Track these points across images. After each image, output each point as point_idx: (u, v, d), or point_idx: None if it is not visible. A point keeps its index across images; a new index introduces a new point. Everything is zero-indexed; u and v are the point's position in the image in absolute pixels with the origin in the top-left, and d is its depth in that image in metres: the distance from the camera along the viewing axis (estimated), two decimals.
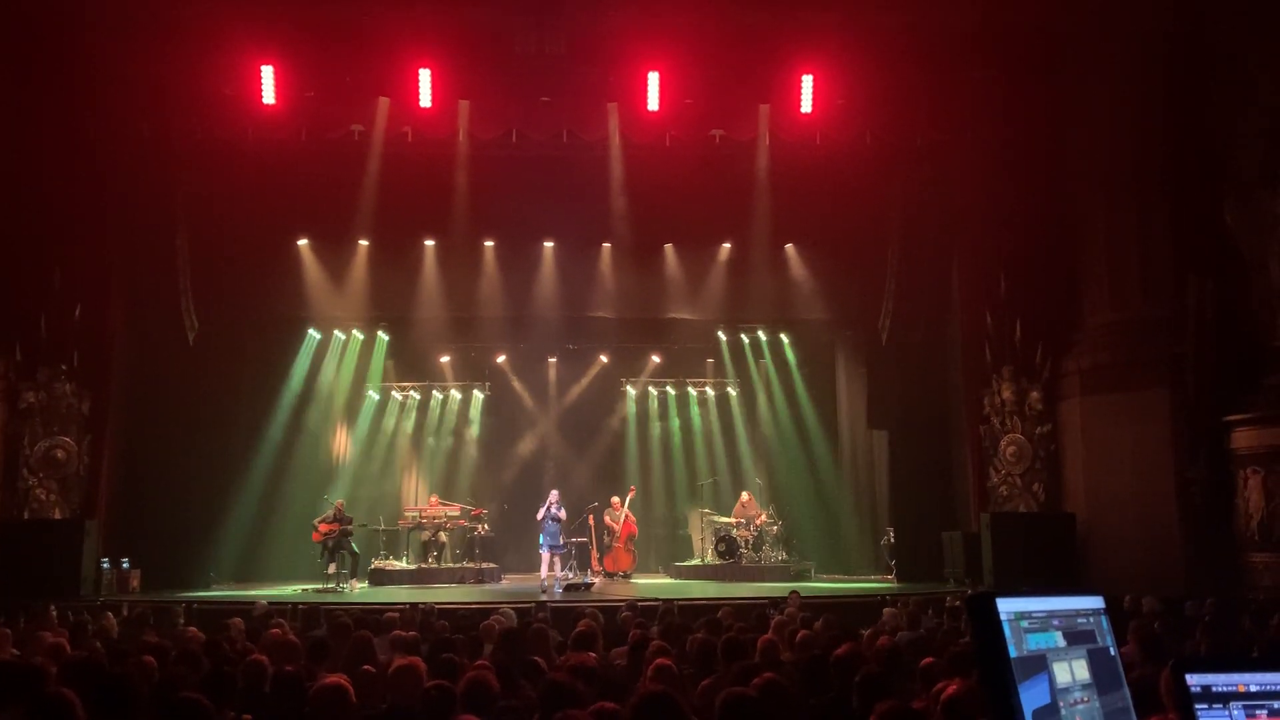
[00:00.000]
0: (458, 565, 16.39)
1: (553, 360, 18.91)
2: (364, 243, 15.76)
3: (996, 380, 14.95)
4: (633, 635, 7.04)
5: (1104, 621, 2.17)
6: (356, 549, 15.10)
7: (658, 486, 18.90)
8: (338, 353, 17.46)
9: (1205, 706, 1.88)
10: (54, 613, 9.46)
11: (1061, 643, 2.02)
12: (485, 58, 14.28)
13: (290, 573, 15.79)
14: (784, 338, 17.95)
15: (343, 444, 18.23)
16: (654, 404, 19.44)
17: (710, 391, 19.36)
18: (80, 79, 13.61)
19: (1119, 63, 14.09)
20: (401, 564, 16.39)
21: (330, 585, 14.42)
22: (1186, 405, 13.21)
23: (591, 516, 17.01)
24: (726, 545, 16.60)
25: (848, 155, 14.93)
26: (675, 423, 19.42)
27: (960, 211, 15.13)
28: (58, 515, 13.84)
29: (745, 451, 18.65)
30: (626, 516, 17.16)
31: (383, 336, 17.63)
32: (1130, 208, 14.05)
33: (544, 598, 13.02)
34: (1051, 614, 2.03)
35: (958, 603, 10.00)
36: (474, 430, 18.90)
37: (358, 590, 14.63)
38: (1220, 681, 1.90)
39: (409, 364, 18.51)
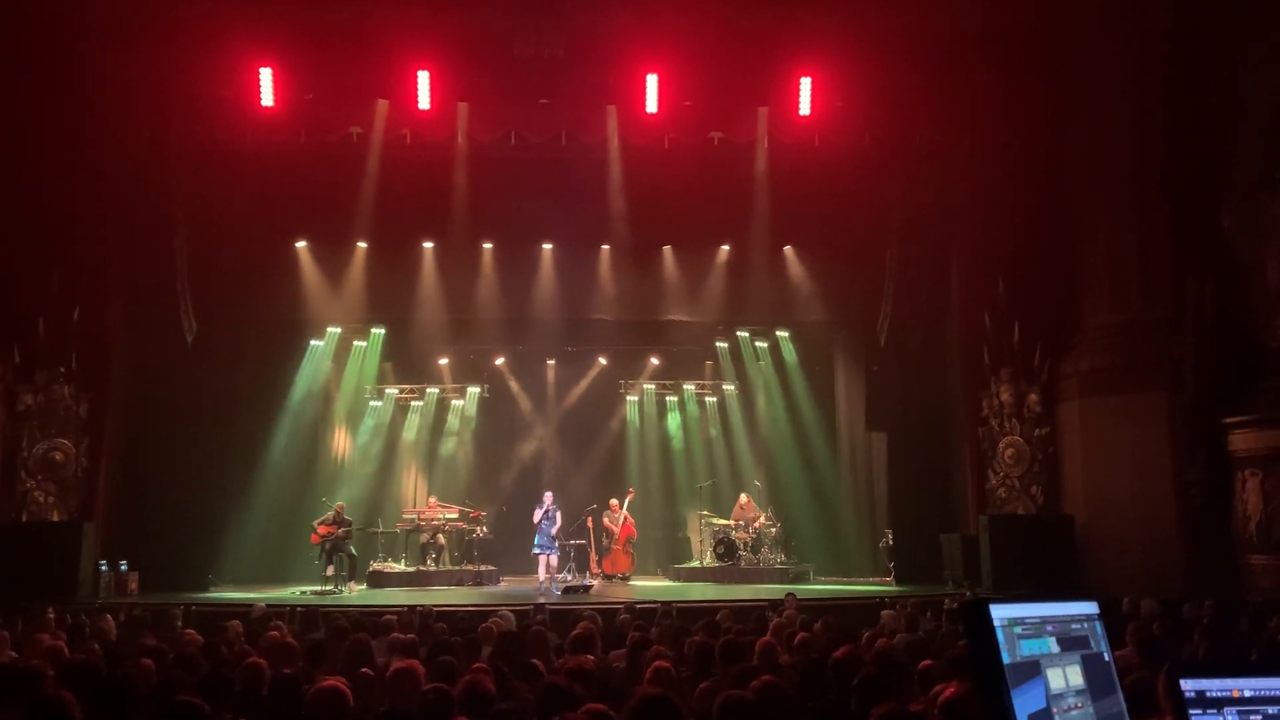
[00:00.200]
0: (456, 567, 16.38)
1: (551, 362, 18.91)
2: (363, 245, 15.76)
3: (995, 382, 14.96)
4: (631, 638, 7.04)
5: (1098, 627, 2.17)
6: (355, 551, 15.09)
7: (656, 489, 18.87)
8: (336, 355, 17.46)
9: (1200, 712, 1.89)
10: (52, 615, 9.44)
11: (1055, 649, 2.03)
12: (484, 60, 14.29)
13: (289, 575, 15.76)
14: (783, 339, 17.96)
15: (341, 446, 18.21)
16: (653, 406, 19.43)
17: (709, 393, 19.35)
18: (79, 81, 13.62)
19: (1118, 65, 14.10)
20: (400, 566, 16.37)
21: (329, 587, 14.41)
22: (1185, 407, 13.22)
23: (590, 519, 17.01)
24: (725, 547, 16.60)
25: (847, 157, 14.94)
26: (674, 425, 19.41)
27: (959, 213, 15.13)
28: (56, 518, 13.84)
29: (744, 453, 18.64)
30: (625, 519, 17.16)
31: (381, 338, 17.62)
32: (1129, 209, 14.07)
33: (542, 600, 13.01)
34: (1045, 620, 2.04)
35: (956, 605, 10.00)
36: (472, 432, 18.89)
37: (356, 593, 14.62)
38: (1215, 687, 1.90)
39: (407, 366, 18.50)
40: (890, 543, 15.79)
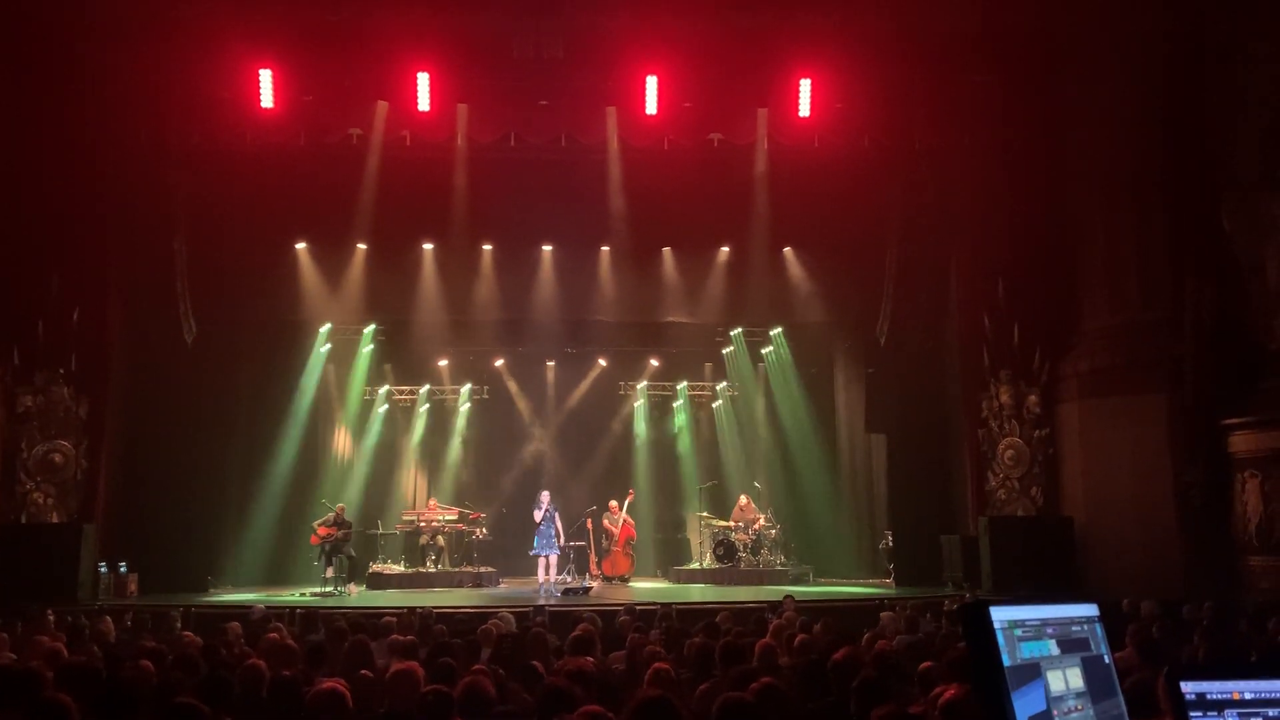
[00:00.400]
0: (455, 569, 16.38)
1: (551, 364, 18.91)
2: (362, 246, 15.74)
3: (994, 384, 14.95)
4: (631, 639, 7.04)
5: (1098, 629, 2.17)
6: (354, 553, 15.09)
7: (656, 490, 18.88)
8: (336, 356, 17.46)
9: (1200, 714, 1.89)
10: (52, 617, 9.44)
11: (1055, 651, 2.03)
12: (483, 61, 14.30)
13: (288, 577, 15.77)
14: (782, 341, 17.96)
15: (340, 448, 18.21)
16: (652, 407, 19.44)
17: (708, 395, 19.35)
18: (79, 83, 13.61)
19: (1117, 66, 14.11)
20: (399, 568, 16.38)
21: (328, 589, 14.41)
22: (1185, 408, 13.21)
23: (590, 520, 17.01)
24: (725, 549, 16.61)
25: (846, 159, 14.94)
26: (674, 426, 19.42)
27: (958, 215, 15.13)
28: (55, 519, 13.82)
29: (743, 455, 18.64)
30: (625, 520, 17.16)
31: (381, 340, 17.61)
32: (1128, 210, 14.07)
33: (542, 602, 13.00)
34: (1045, 622, 2.04)
35: (956, 607, 10.00)
36: (472, 434, 18.89)
37: (355, 594, 14.62)
38: (1215, 689, 1.90)
39: (407, 367, 18.49)
40: (890, 544, 15.79)
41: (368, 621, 8.93)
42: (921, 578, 14.88)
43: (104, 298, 14.40)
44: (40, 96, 13.62)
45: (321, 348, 17.05)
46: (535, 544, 15.27)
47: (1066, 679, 2.02)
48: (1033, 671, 1.95)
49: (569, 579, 15.79)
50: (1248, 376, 12.76)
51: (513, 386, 18.88)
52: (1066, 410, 14.67)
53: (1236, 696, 1.89)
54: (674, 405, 19.47)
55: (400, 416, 18.73)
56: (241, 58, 13.80)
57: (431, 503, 17.14)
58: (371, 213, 14.88)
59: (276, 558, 16.19)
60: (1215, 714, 1.88)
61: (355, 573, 15.07)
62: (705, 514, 17.50)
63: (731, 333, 18.11)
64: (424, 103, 14.18)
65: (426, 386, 18.66)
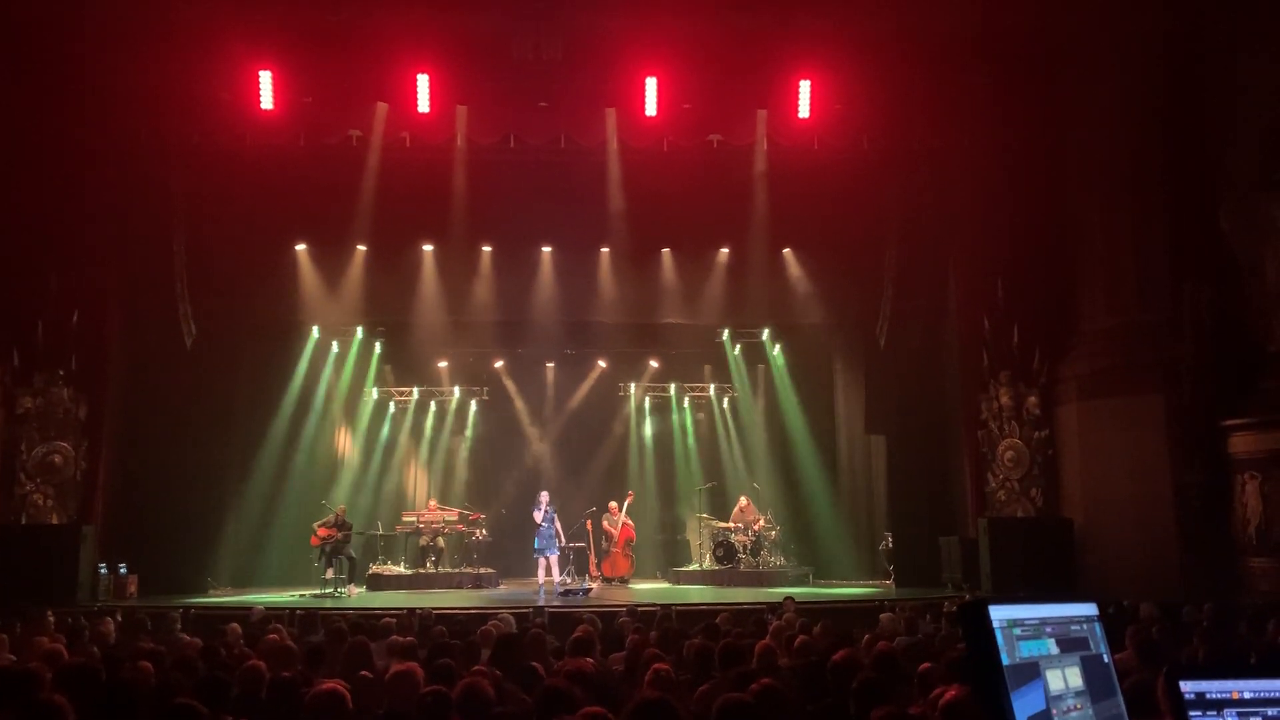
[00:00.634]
0: (455, 570, 16.38)
1: (551, 365, 18.92)
2: (362, 248, 15.74)
3: (994, 385, 14.96)
4: (630, 641, 7.04)
5: (1097, 628, 2.17)
6: (354, 554, 15.09)
7: (656, 491, 18.88)
8: (335, 358, 17.46)
9: (1199, 713, 1.88)
10: (51, 618, 9.43)
11: (1054, 650, 2.03)
12: (483, 63, 14.31)
13: (288, 578, 15.77)
14: (782, 342, 17.96)
15: (340, 449, 18.21)
16: (652, 409, 19.44)
17: (708, 396, 19.35)
18: (78, 84, 13.62)
19: (1116, 67, 14.12)
20: (399, 569, 16.37)
21: (328, 590, 14.41)
22: (1183, 410, 13.22)
23: (589, 522, 17.00)
24: (724, 550, 16.61)
25: (845, 160, 14.96)
26: (673, 427, 19.42)
27: (958, 216, 15.14)
28: (55, 520, 13.83)
29: (743, 456, 18.64)
30: (624, 521, 17.16)
31: (380, 341, 17.61)
32: (1127, 212, 14.08)
33: (541, 603, 12.99)
34: (1044, 621, 2.04)
35: (956, 608, 9.99)
36: (472, 435, 18.89)
37: (355, 595, 14.61)
38: (1215, 688, 1.90)
39: (407, 369, 18.49)
40: (889, 545, 15.79)
41: (367, 622, 8.94)
42: (921, 579, 14.89)
43: (103, 299, 14.40)
44: (40, 97, 13.62)
45: (321, 349, 17.04)
46: (536, 545, 15.26)
47: (1066, 678, 2.02)
48: (1032, 671, 1.95)
49: (568, 580, 15.79)
50: (1247, 377, 12.76)
51: (512, 388, 18.88)
52: (1066, 411, 14.67)
53: (1236, 696, 1.89)
54: (673, 406, 19.47)
55: (400, 417, 18.72)
56: (241, 59, 13.82)
57: (431, 504, 17.14)
58: (371, 214, 14.89)
59: (276, 559, 16.19)
60: (1214, 713, 1.88)
61: (355, 574, 15.07)
62: (705, 515, 17.50)
63: (730, 334, 18.10)
64: (423, 104, 14.20)
65: (426, 388, 18.66)
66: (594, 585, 15.83)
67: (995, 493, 14.85)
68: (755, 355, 18.45)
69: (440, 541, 16.67)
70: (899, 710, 4.22)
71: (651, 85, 14.26)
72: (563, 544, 15.71)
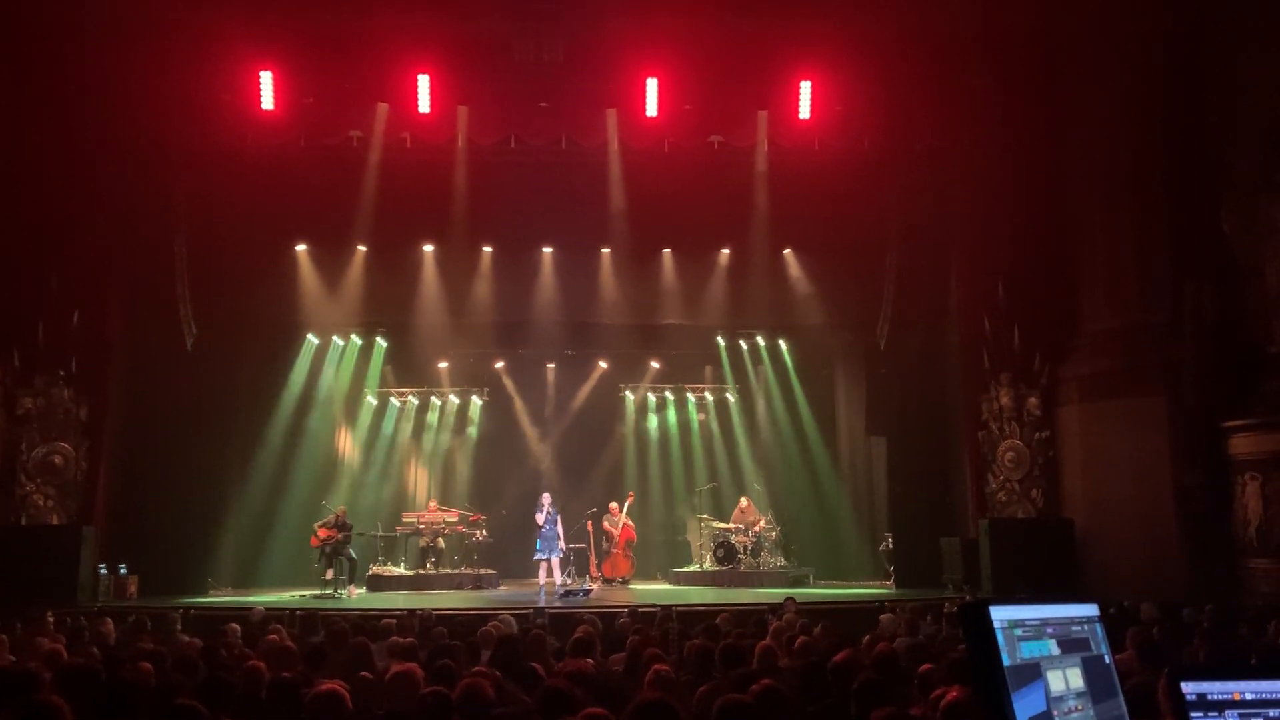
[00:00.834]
0: (456, 571, 16.38)
1: (551, 366, 18.91)
2: (362, 248, 15.74)
3: (995, 386, 14.94)
4: (630, 641, 7.03)
5: (1099, 629, 2.17)
6: (354, 555, 15.09)
7: (656, 492, 18.87)
8: (336, 359, 17.45)
9: (1201, 714, 1.88)
10: (51, 619, 9.44)
11: (1055, 651, 2.03)
12: (484, 64, 14.32)
13: (288, 578, 15.77)
14: (783, 343, 17.95)
15: (341, 450, 18.21)
16: (653, 410, 19.43)
17: (709, 397, 19.35)
18: (79, 84, 13.62)
19: (1116, 67, 14.11)
20: (400, 570, 16.36)
21: (328, 591, 14.41)
22: (1184, 411, 13.22)
23: (590, 522, 17.00)
24: (725, 551, 16.60)
25: (846, 161, 14.95)
26: (674, 428, 19.41)
27: (958, 217, 15.13)
28: (55, 521, 13.82)
29: (744, 457, 18.63)
30: (625, 522, 17.16)
31: (381, 342, 17.61)
32: (1128, 213, 14.07)
33: (542, 604, 12.98)
34: (1045, 622, 2.03)
35: (956, 609, 9.98)
36: (472, 436, 18.88)
37: (356, 596, 14.61)
38: (1216, 689, 1.89)
39: (407, 370, 18.49)
40: (890, 546, 15.78)
41: (368, 623, 8.93)
42: (922, 580, 14.88)
43: (104, 300, 14.40)
44: (41, 98, 13.63)
45: (321, 350, 17.04)
46: (537, 547, 15.22)
47: (1067, 679, 2.02)
48: (1033, 671, 1.94)
49: (569, 581, 15.78)
50: (1248, 379, 12.76)
51: (513, 388, 18.88)
52: (1067, 413, 14.66)
53: (1237, 697, 1.89)
54: (674, 407, 19.46)
55: (400, 418, 18.71)
56: (242, 59, 13.82)
57: (432, 505, 17.13)
58: (372, 215, 14.89)
59: (277, 560, 16.18)
60: (1216, 714, 1.88)
61: (355, 574, 15.06)
62: (705, 516, 17.50)
63: (731, 335, 18.09)
64: (424, 105, 14.20)
65: (427, 388, 18.66)
66: (594, 586, 15.82)
67: (996, 494, 14.84)
68: (756, 356, 18.43)
69: (441, 542, 16.67)
70: (899, 711, 4.21)
71: (652, 86, 14.27)
72: (564, 547, 15.69)
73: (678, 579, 17.01)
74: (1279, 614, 8.56)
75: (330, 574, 14.62)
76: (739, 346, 18.28)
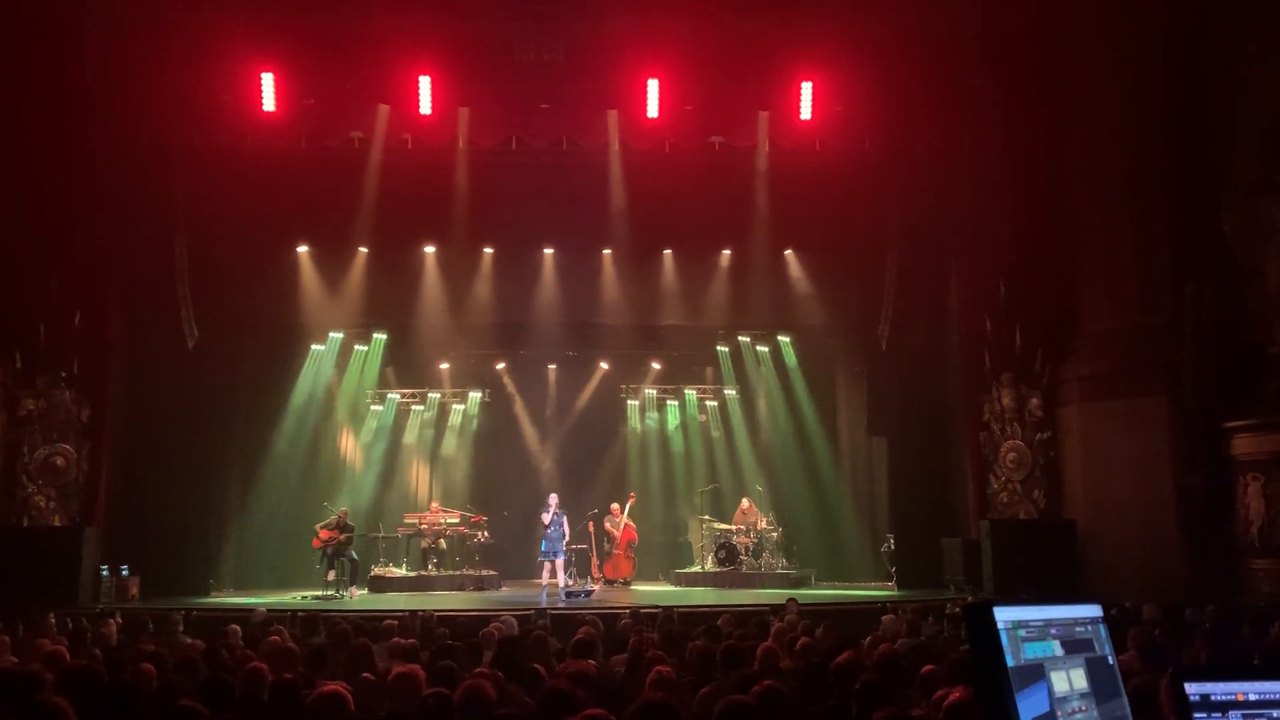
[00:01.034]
0: (457, 572, 16.38)
1: (553, 367, 18.92)
2: (363, 250, 15.76)
3: (996, 387, 14.94)
4: (632, 642, 7.03)
5: (1102, 630, 2.17)
6: (356, 556, 15.09)
7: (658, 493, 18.87)
8: (337, 360, 17.45)
9: (1204, 715, 1.88)
10: (53, 620, 9.44)
11: (1059, 651, 2.03)
12: (485, 65, 14.32)
13: (290, 580, 15.77)
14: (784, 344, 17.94)
15: (342, 451, 18.21)
16: (654, 410, 19.43)
17: (710, 398, 19.34)
18: (79, 86, 13.63)
19: (1116, 68, 14.11)
20: (401, 571, 16.36)
21: (330, 592, 14.41)
22: (1185, 411, 13.21)
23: (591, 523, 17.00)
24: (726, 552, 16.60)
25: (847, 161, 14.95)
26: (675, 429, 19.41)
27: (959, 218, 15.13)
28: (57, 522, 13.83)
29: (745, 458, 18.62)
30: (626, 523, 17.16)
31: (382, 343, 17.61)
32: (1128, 213, 14.07)
33: (544, 605, 12.97)
34: (1049, 623, 2.03)
35: (958, 610, 9.98)
36: (474, 437, 18.88)
37: (357, 597, 14.60)
38: (1219, 690, 1.89)
39: (408, 371, 18.50)
40: (892, 547, 15.77)
41: (369, 624, 8.92)
42: (923, 581, 14.87)
43: (105, 301, 14.41)
44: (41, 99, 13.63)
45: (323, 351, 17.05)
46: (543, 548, 15.16)
47: (1070, 680, 2.02)
48: (1036, 672, 1.94)
49: (570, 582, 15.78)
50: (1249, 379, 12.75)
51: (514, 390, 18.88)
52: (1068, 413, 14.66)
53: (1241, 698, 1.89)
54: (675, 408, 19.46)
55: (402, 419, 18.72)
56: (243, 61, 13.83)
57: (434, 506, 17.13)
58: (373, 216, 14.90)
59: (278, 561, 16.19)
60: (1219, 715, 1.88)
61: (357, 576, 15.06)
62: (707, 517, 17.49)
63: (733, 336, 18.09)
64: (425, 106, 14.21)
65: (428, 390, 18.66)
66: (596, 587, 15.82)
67: (997, 494, 14.84)
68: (757, 357, 18.43)
69: (442, 544, 16.67)
70: (901, 712, 4.21)
71: (653, 87, 14.27)
72: (569, 548, 15.63)
73: (679, 580, 17.00)
74: None
75: (332, 575, 14.62)
76: (740, 347, 18.28)
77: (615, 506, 17.33)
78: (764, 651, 6.17)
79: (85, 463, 14.15)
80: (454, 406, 18.88)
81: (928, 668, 5.31)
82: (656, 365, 19.01)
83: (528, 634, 7.69)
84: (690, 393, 19.28)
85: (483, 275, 16.23)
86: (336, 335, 17.09)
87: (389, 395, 18.46)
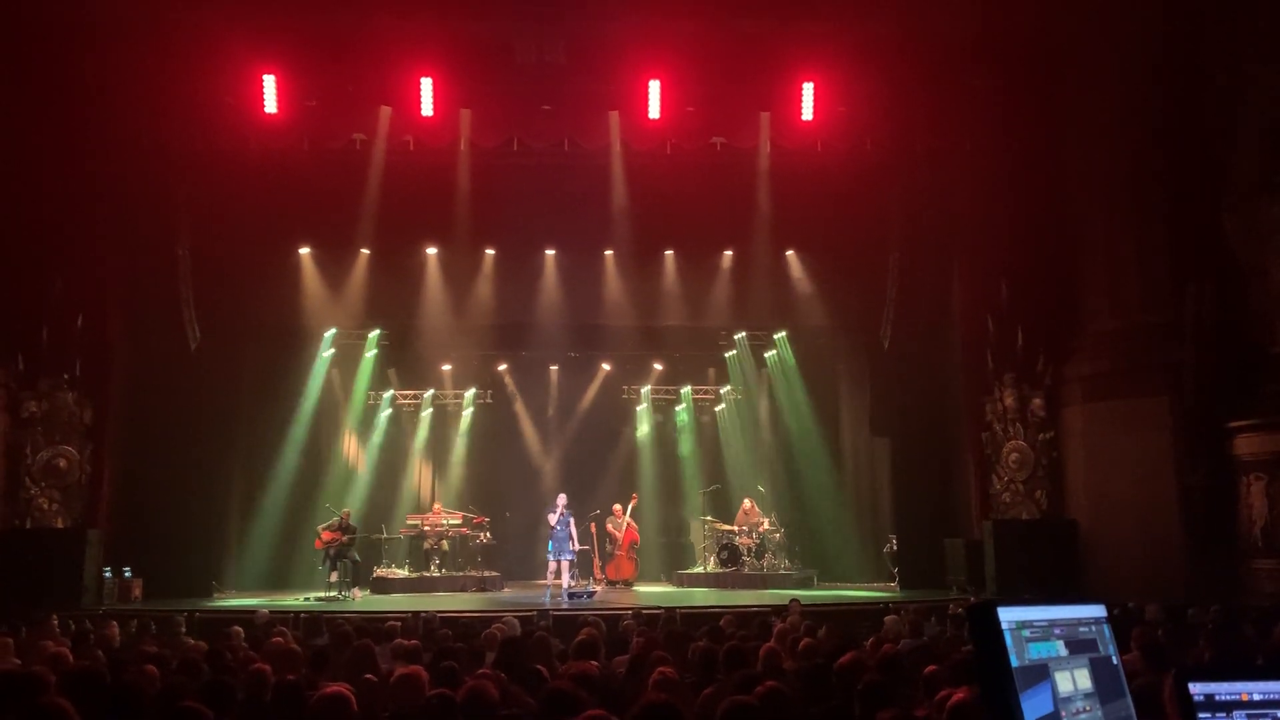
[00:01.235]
0: (460, 573, 16.38)
1: (555, 368, 18.93)
2: (365, 251, 15.78)
3: (998, 387, 14.93)
4: (634, 643, 7.03)
5: (1106, 630, 2.16)
6: (358, 557, 15.09)
7: (660, 494, 18.87)
8: (339, 361, 17.47)
9: (1209, 715, 1.88)
10: (56, 622, 9.44)
11: (1063, 652, 2.02)
12: (486, 67, 14.33)
13: (293, 581, 15.78)
14: (785, 344, 17.95)
15: (344, 452, 18.22)
16: (656, 411, 19.44)
17: (712, 398, 19.34)
18: (82, 88, 13.65)
19: (1117, 69, 14.10)
20: (404, 572, 16.37)
21: (333, 594, 14.41)
22: (1187, 412, 13.19)
23: (594, 524, 17.00)
24: (729, 553, 16.60)
25: (848, 162, 14.95)
26: (677, 430, 19.41)
27: (960, 218, 15.13)
28: (60, 524, 13.85)
29: (747, 459, 18.63)
30: (628, 524, 17.15)
31: (384, 345, 17.62)
32: (1129, 213, 14.06)
33: (547, 606, 12.97)
34: (1053, 623, 2.03)
35: (960, 610, 9.98)
36: (476, 438, 18.89)
37: (360, 598, 14.61)
38: (1223, 690, 1.89)
39: (411, 372, 18.52)
40: (894, 548, 15.76)
41: (372, 626, 8.92)
42: (926, 581, 14.86)
43: (107, 303, 14.44)
44: (43, 102, 13.65)
45: (325, 353, 17.07)
46: (550, 548, 15.10)
47: (1074, 680, 2.01)
48: (1040, 672, 1.94)
49: (572, 583, 15.78)
50: (1251, 379, 12.74)
51: (516, 391, 18.89)
52: (1070, 413, 14.65)
53: (1245, 698, 1.89)
54: (677, 409, 19.47)
55: (404, 421, 18.73)
56: (245, 63, 13.84)
57: (436, 507, 17.14)
58: (375, 217, 14.92)
59: (281, 562, 16.20)
60: (1224, 715, 1.87)
61: (359, 577, 15.07)
62: (709, 518, 17.49)
63: (735, 336, 18.10)
64: (427, 108, 14.22)
65: (430, 391, 18.67)
66: (598, 588, 15.81)
67: (1000, 494, 14.83)
68: (759, 358, 18.44)
69: (445, 545, 16.68)
70: (904, 713, 4.21)
71: (654, 88, 14.27)
72: (576, 548, 15.61)
73: (681, 581, 17.00)
74: None
75: (335, 577, 14.62)
76: (742, 347, 18.27)
77: (617, 507, 17.33)
78: (766, 652, 6.16)
79: (88, 465, 14.17)
80: (456, 408, 18.88)
81: (930, 668, 5.30)
82: (658, 366, 19.02)
83: (530, 635, 7.69)
84: (692, 393, 19.28)
85: (484, 276, 16.24)
86: (339, 337, 17.09)
87: (391, 396, 18.46)
